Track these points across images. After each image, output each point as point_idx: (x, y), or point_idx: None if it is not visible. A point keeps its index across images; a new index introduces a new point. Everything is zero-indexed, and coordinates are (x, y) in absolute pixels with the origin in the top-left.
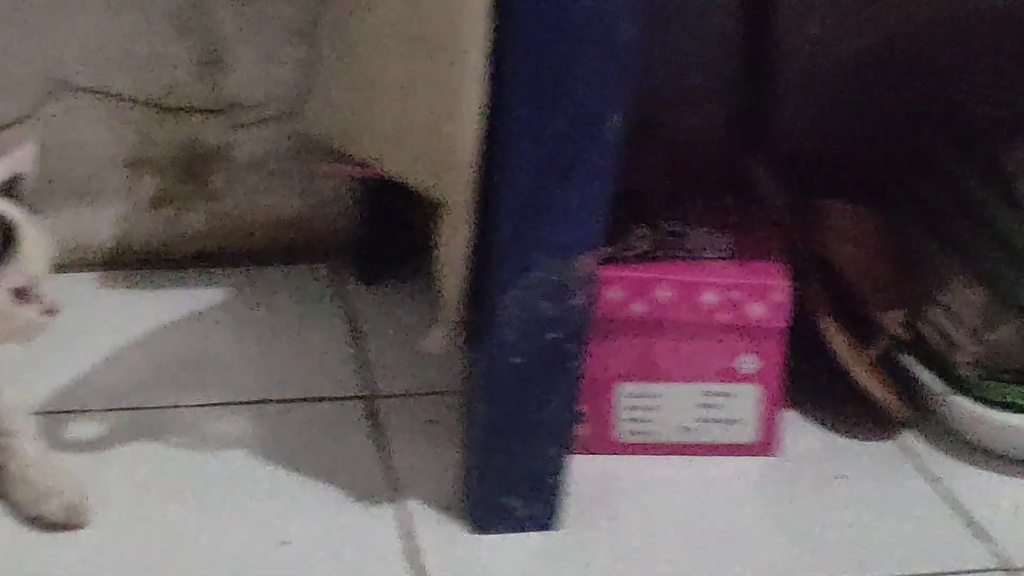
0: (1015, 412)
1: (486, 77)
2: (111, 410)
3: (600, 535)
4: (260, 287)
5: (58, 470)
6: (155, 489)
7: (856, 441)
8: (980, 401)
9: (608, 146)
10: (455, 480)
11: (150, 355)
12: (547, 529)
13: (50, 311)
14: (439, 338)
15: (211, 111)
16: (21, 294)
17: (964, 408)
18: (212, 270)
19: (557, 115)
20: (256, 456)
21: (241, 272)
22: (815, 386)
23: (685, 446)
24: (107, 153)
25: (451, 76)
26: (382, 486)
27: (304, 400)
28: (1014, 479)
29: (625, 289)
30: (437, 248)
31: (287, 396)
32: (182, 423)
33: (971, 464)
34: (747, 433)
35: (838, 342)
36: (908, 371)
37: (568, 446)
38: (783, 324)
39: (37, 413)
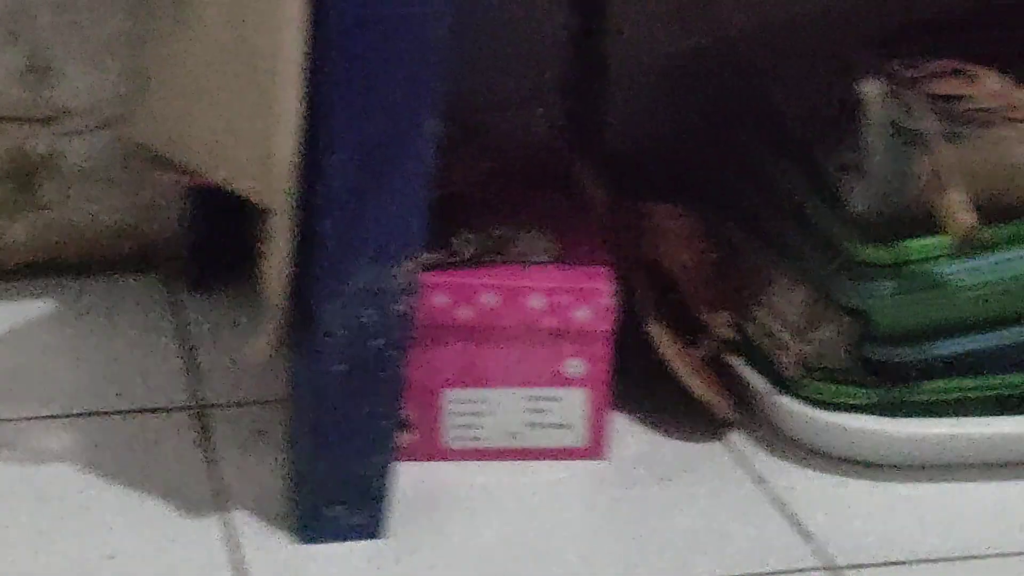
0: (838, 411)
1: (303, 83)
2: None
3: (427, 542)
4: (90, 297)
5: None
6: None
7: (684, 443)
8: (804, 400)
9: (424, 151)
10: (282, 490)
11: None
12: (373, 537)
13: None
14: (262, 346)
15: (38, 120)
16: None
17: (789, 407)
18: (41, 281)
19: (372, 121)
20: (82, 469)
21: (71, 282)
22: (643, 389)
23: (514, 451)
24: None
25: (269, 82)
26: (209, 497)
27: (132, 412)
28: (837, 477)
29: (450, 295)
30: (263, 255)
31: (115, 408)
32: (5, 437)
33: (796, 463)
34: (575, 437)
35: (665, 344)
36: (735, 371)
37: (393, 454)
38: (609, 327)
39: None
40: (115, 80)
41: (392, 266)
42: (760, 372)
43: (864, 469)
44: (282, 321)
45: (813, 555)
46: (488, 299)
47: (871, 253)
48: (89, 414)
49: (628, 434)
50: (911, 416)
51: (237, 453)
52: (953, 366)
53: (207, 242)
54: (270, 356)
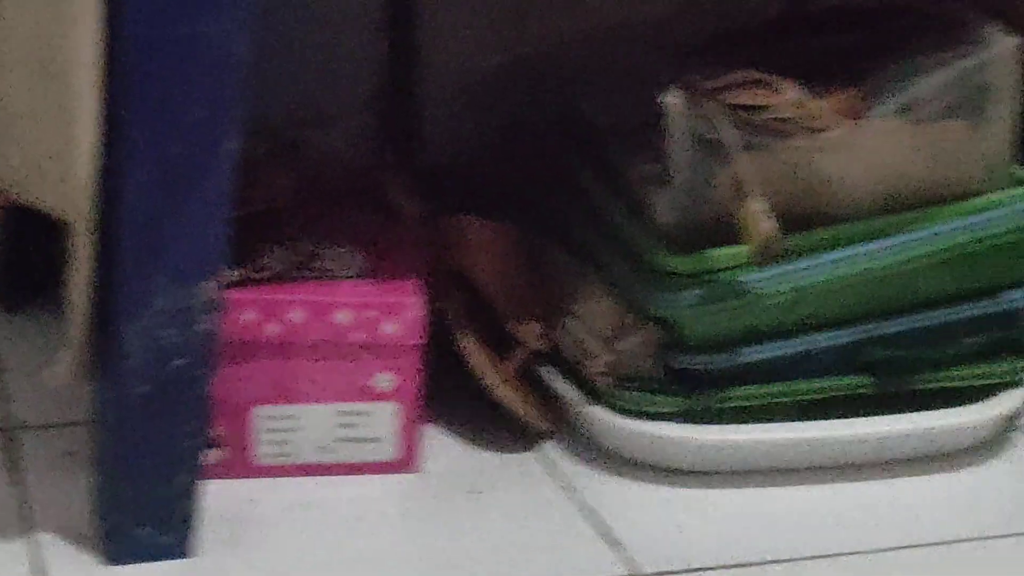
0: (646, 419)
1: (102, 101)
2: None
3: (238, 560)
4: None
5: None
6: None
7: (496, 454)
8: (613, 409)
9: (224, 170)
10: (90, 512)
11: None
12: (182, 557)
13: None
14: (63, 368)
15: None
16: None
17: (598, 417)
18: None
19: (170, 140)
20: None
21: None
22: (456, 401)
23: (325, 466)
24: None
25: (68, 101)
26: (16, 520)
27: None
28: (647, 485)
29: (258, 311)
30: (68, 275)
31: None
32: None
33: (607, 472)
34: (387, 451)
35: (476, 356)
36: (546, 382)
37: (200, 473)
38: (418, 341)
39: None
40: None
41: (193, 285)
42: (571, 382)
43: (673, 476)
44: (84, 344)
45: (620, 563)
46: (296, 315)
47: (675, 263)
48: None
49: (440, 447)
50: (718, 423)
51: (46, 474)
52: (758, 373)
53: (18, 261)
54: (71, 380)
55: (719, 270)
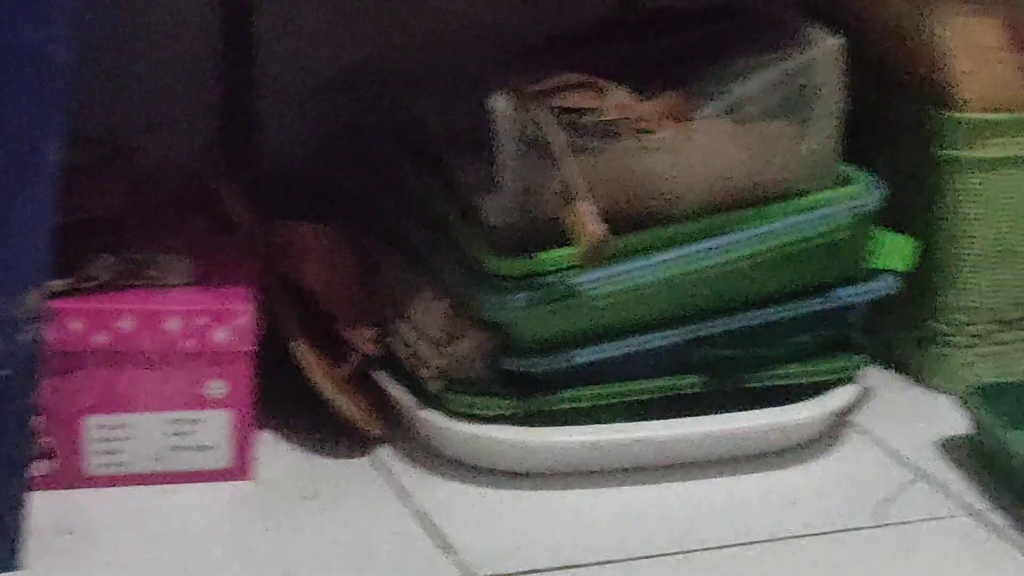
0: (479, 422)
1: None
2: None
3: (68, 572)
4: None
5: None
6: None
7: (331, 460)
8: (446, 413)
9: (48, 177)
10: None
11: None
12: (10, 571)
13: None
14: None
15: None
16: None
17: (432, 421)
18: None
19: None
20: None
21: None
22: (291, 407)
23: (158, 475)
24: None
25: None
26: None
27: None
28: (482, 488)
29: (85, 320)
30: None
31: None
32: None
33: (442, 476)
34: (220, 458)
35: (309, 362)
36: (381, 387)
37: (26, 485)
38: (249, 348)
39: None
40: None
41: (17, 295)
42: (405, 386)
43: (507, 479)
44: None
45: (454, 567)
46: (125, 324)
47: (505, 266)
48: None
49: (275, 453)
50: (551, 425)
51: None
52: (590, 374)
53: None
54: None
55: (549, 272)
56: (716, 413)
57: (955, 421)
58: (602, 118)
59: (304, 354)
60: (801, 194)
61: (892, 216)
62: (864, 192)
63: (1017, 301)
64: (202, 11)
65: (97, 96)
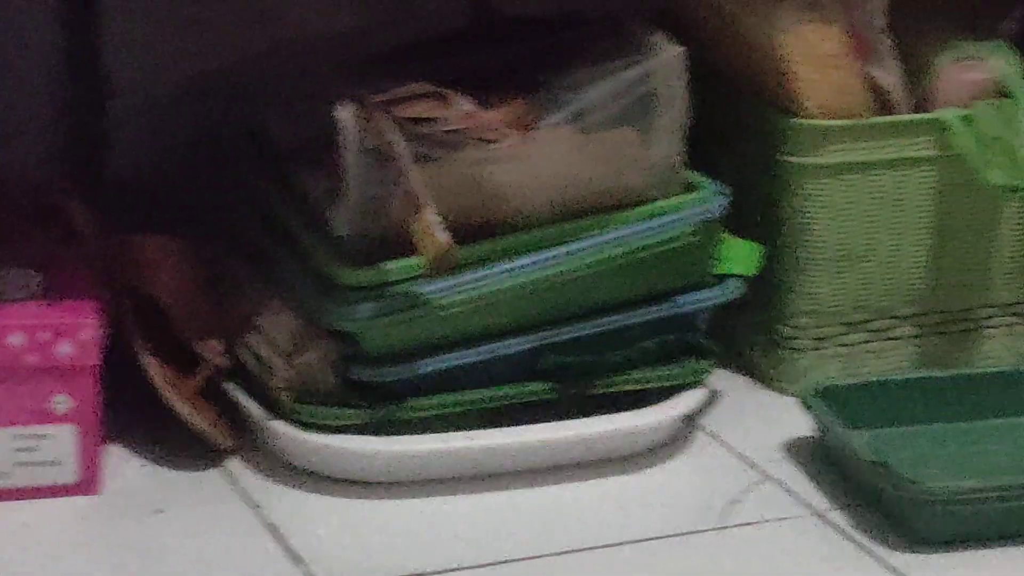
0: (329, 432)
1: None
2: None
3: None
4: None
5: None
6: None
7: (181, 472)
8: (296, 424)
9: None
10: None
11: None
12: None
13: None
14: None
15: None
16: None
17: (281, 431)
18: None
19: None
20: None
21: None
22: (139, 421)
23: (4, 492)
24: None
25: None
26: None
27: None
28: (332, 498)
29: None
30: None
31: None
32: None
33: (293, 487)
34: (67, 474)
35: (157, 375)
36: (231, 398)
37: None
38: (95, 362)
39: None
40: None
41: None
42: (255, 398)
43: (356, 488)
44: None
45: None
46: None
47: (352, 275)
48: None
49: (124, 467)
50: (400, 434)
51: None
52: (439, 383)
53: None
54: None
55: (395, 282)
56: (568, 419)
57: (801, 423)
58: (446, 128)
59: (153, 367)
60: (646, 201)
61: (737, 222)
62: (708, 199)
63: (860, 304)
64: (46, 20)
65: None
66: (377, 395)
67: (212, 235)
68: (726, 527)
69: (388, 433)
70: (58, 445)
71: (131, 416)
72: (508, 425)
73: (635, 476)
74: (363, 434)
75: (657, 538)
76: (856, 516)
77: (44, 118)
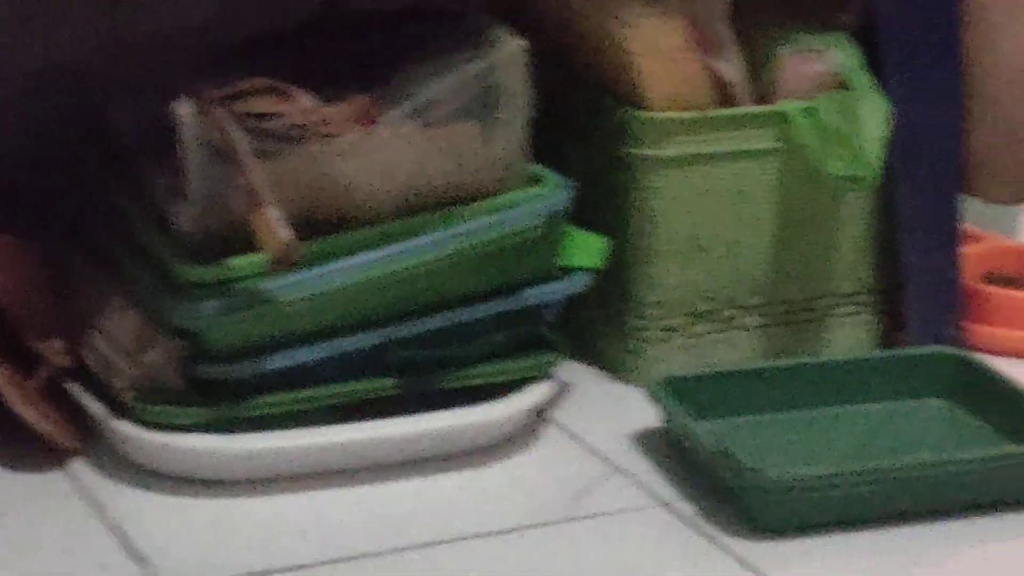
0: (173, 431)
1: None
2: None
3: None
4: None
5: None
6: None
7: (22, 475)
8: (140, 423)
9: None
10: None
11: None
12: None
13: None
14: None
15: None
16: None
17: (125, 431)
18: None
19: None
20: None
21: None
22: None
23: None
24: None
25: None
26: None
27: None
28: (177, 498)
29: None
30: None
31: None
32: None
33: (137, 487)
34: None
35: None
36: (75, 399)
37: None
38: None
39: None
40: None
41: None
42: (99, 398)
43: (204, 487)
44: None
45: None
46: None
47: (194, 273)
48: None
49: None
50: (247, 432)
51: None
52: (285, 379)
53: None
54: None
55: (238, 279)
56: (419, 413)
57: (649, 414)
58: (287, 123)
59: None
60: (491, 195)
61: (584, 214)
62: (553, 192)
63: (706, 295)
64: None
65: None
66: (223, 393)
67: (57, 234)
68: (575, 519)
69: (232, 431)
70: None
71: None
72: (355, 421)
73: (484, 470)
74: (209, 432)
75: (507, 531)
76: (702, 506)
77: None
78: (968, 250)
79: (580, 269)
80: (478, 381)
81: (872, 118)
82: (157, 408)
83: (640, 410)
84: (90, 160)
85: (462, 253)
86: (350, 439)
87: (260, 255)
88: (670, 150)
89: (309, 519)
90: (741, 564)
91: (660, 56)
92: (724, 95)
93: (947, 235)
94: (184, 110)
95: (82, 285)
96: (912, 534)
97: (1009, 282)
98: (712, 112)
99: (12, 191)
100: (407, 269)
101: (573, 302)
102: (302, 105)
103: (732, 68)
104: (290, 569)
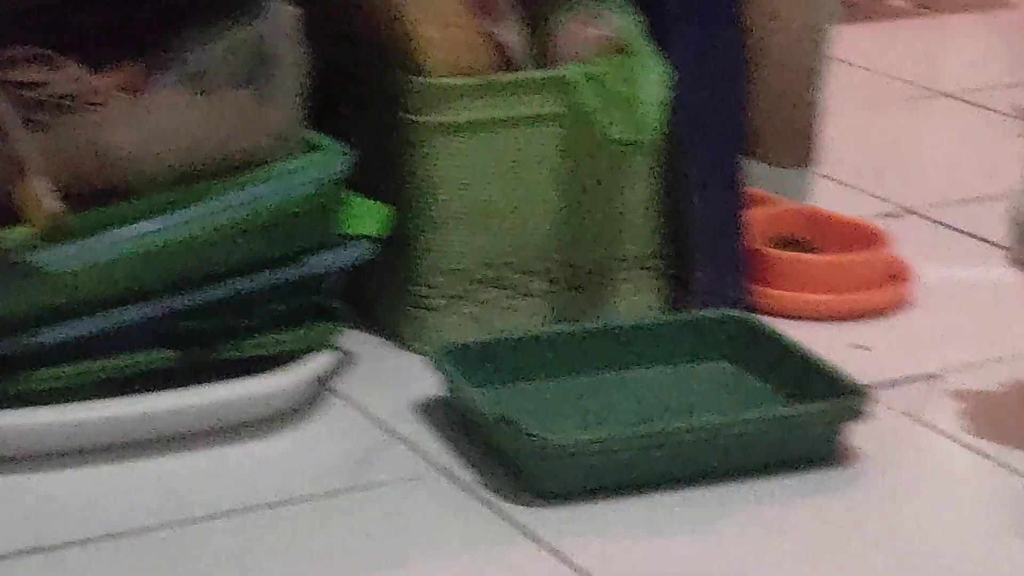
0: None
1: None
2: None
3: None
4: None
5: None
6: None
7: None
8: None
9: None
10: None
11: None
12: None
13: None
14: None
15: None
16: None
17: None
18: None
19: None
20: None
21: None
22: None
23: None
24: None
25: None
26: None
27: None
28: None
29: None
30: None
31: None
32: None
33: None
34: None
35: None
36: None
37: None
38: None
39: None
40: None
41: None
42: None
43: None
44: None
45: None
46: None
47: None
48: None
49: None
50: (20, 407)
51: None
52: (59, 353)
53: None
54: None
55: (5, 251)
56: (201, 384)
57: (433, 383)
58: (54, 92)
59: None
60: (267, 163)
61: (368, 182)
62: (331, 159)
63: (491, 261)
64: None
65: None
66: None
67: None
68: (356, 488)
69: (5, 407)
70: None
71: None
72: (142, 392)
73: (266, 441)
74: None
75: (289, 502)
76: (484, 473)
77: None
78: (754, 213)
79: (364, 237)
80: (257, 352)
81: (651, 82)
82: None
83: (424, 379)
84: None
85: (238, 222)
86: (124, 412)
87: (27, 227)
88: (451, 116)
89: (87, 494)
90: (522, 531)
91: (438, 21)
92: (504, 60)
93: (732, 199)
94: None
95: None
96: (693, 498)
97: (795, 245)
98: (493, 77)
99: None
100: (182, 239)
101: (358, 271)
102: (69, 74)
103: (511, 33)
104: (65, 545)
